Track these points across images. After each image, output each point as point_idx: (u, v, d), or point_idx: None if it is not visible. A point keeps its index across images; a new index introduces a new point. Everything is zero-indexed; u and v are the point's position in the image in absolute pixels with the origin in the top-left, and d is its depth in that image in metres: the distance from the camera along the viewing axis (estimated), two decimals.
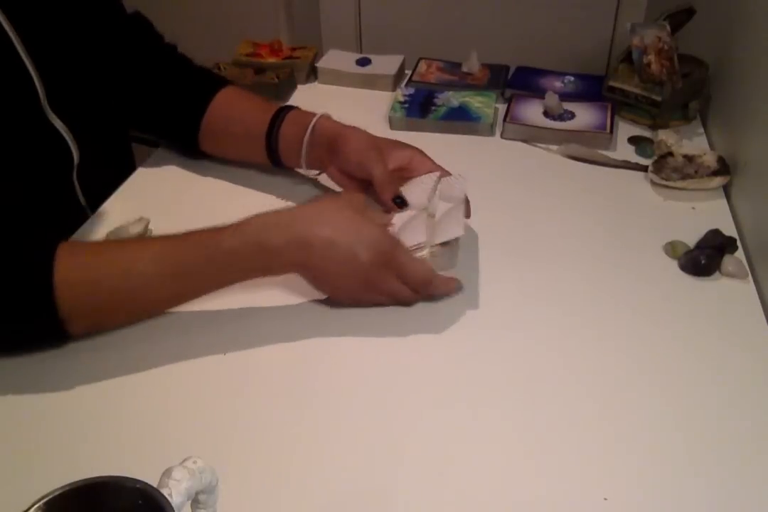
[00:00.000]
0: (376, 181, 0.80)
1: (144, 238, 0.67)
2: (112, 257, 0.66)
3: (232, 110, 0.91)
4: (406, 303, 0.73)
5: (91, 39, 0.85)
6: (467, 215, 0.81)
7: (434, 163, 0.83)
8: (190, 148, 0.96)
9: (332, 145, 0.83)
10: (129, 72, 0.92)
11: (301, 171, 0.90)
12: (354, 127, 0.85)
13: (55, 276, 0.62)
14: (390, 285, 0.70)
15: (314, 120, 0.85)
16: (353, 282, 0.70)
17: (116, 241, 0.70)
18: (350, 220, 0.67)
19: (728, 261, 0.78)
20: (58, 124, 0.80)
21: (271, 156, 0.90)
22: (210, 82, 0.95)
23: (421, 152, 0.84)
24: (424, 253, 0.74)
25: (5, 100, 0.73)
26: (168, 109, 0.94)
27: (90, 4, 0.85)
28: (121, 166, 0.96)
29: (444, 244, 0.75)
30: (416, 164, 0.82)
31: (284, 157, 0.89)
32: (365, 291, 0.71)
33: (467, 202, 0.81)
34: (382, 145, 0.83)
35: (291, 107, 0.90)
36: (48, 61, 0.77)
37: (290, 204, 0.90)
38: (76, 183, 0.85)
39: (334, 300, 0.73)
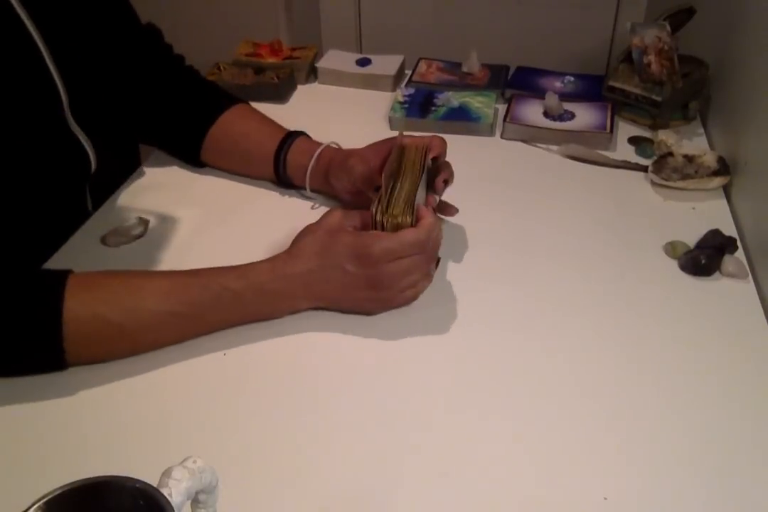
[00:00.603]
0: (359, 183, 0.82)
1: (152, 271, 0.69)
2: (120, 292, 0.66)
3: (242, 129, 0.93)
4: (428, 268, 0.72)
5: (112, 49, 0.86)
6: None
7: (413, 137, 0.81)
8: (190, 158, 0.97)
9: (327, 172, 0.86)
10: (138, 81, 0.93)
11: (305, 193, 0.90)
12: (346, 150, 0.86)
13: (65, 314, 0.62)
14: (395, 269, 0.69)
15: (318, 150, 0.87)
16: (364, 292, 0.70)
17: (124, 274, 0.70)
18: (323, 243, 0.69)
19: (728, 261, 0.78)
20: (79, 132, 0.80)
21: (280, 178, 0.92)
22: (221, 96, 0.96)
23: (399, 137, 0.82)
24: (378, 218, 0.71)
25: (31, 109, 0.74)
26: (173, 117, 0.95)
27: (111, 15, 0.87)
28: (130, 173, 0.97)
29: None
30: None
31: (294, 181, 0.91)
32: (381, 290, 0.71)
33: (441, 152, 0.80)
34: (361, 151, 0.84)
35: (299, 133, 0.91)
36: (73, 72, 0.78)
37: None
38: (87, 190, 0.86)
39: (372, 314, 0.73)
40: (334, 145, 0.89)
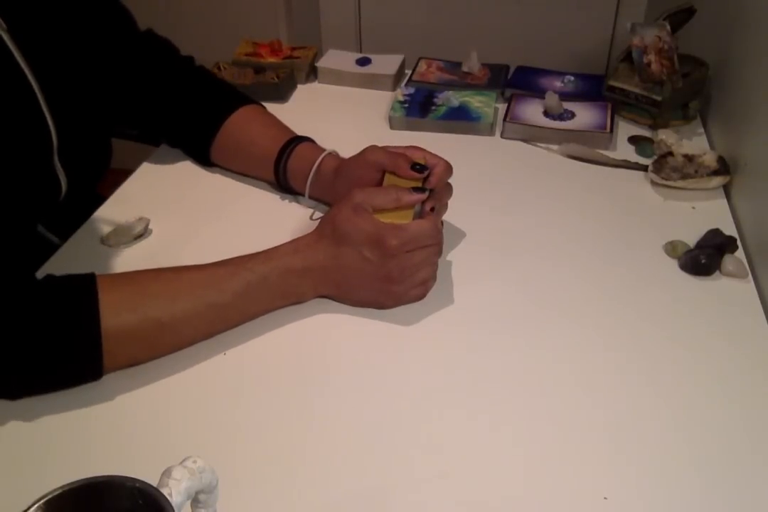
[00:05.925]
0: (391, 163, 0.78)
1: (178, 267, 0.68)
2: (153, 288, 0.66)
3: (245, 133, 0.92)
4: (436, 264, 0.74)
5: (102, 61, 0.85)
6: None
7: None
8: (201, 159, 0.97)
9: (333, 180, 0.84)
10: (147, 85, 0.93)
11: (303, 202, 0.89)
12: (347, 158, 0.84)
13: (102, 312, 0.61)
14: (411, 261, 0.70)
15: (320, 158, 0.85)
16: (378, 283, 0.71)
17: (152, 271, 0.69)
18: (345, 228, 0.70)
19: (728, 261, 0.78)
20: (60, 171, 0.79)
21: (280, 184, 0.91)
22: (230, 98, 0.96)
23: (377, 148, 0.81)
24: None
25: (21, 151, 0.73)
26: (184, 120, 0.95)
27: (103, 27, 0.86)
28: (90, 204, 0.93)
29: None
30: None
31: (295, 186, 0.90)
32: (395, 283, 0.71)
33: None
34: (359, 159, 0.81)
35: (302, 139, 0.90)
36: (66, 118, 0.77)
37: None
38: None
39: (384, 308, 0.73)
40: (335, 153, 0.87)
